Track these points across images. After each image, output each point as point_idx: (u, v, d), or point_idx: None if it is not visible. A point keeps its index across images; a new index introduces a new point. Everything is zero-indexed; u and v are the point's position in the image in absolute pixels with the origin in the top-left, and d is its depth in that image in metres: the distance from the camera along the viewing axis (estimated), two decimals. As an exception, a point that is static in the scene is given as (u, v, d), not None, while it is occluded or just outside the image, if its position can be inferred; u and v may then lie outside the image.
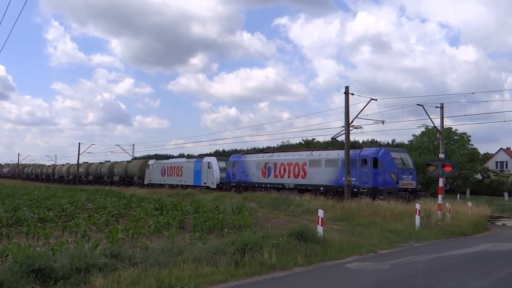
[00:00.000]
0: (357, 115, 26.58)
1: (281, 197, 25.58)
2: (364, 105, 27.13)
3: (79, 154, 58.91)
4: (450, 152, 42.90)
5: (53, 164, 78.59)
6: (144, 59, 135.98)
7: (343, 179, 23.96)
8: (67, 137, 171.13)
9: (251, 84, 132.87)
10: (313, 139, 63.04)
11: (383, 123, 29.06)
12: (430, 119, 32.05)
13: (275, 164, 30.91)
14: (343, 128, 25.70)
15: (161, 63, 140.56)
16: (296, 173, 29.27)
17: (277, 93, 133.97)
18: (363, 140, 68.37)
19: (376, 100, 27.21)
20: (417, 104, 31.13)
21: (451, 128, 48.52)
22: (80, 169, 60.45)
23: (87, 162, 64.20)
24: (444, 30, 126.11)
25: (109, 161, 59.07)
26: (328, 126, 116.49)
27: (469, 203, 18.21)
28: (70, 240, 9.50)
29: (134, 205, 19.21)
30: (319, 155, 28.29)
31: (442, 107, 31.81)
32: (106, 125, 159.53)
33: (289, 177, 29.40)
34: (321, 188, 26.23)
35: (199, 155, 48.75)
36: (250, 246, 8.90)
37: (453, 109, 66.29)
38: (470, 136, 50.00)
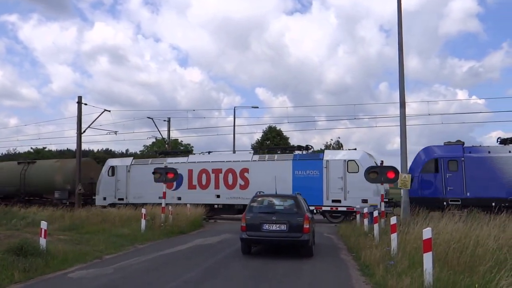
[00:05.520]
0: (89, 125, 25.79)
1: (2, 210, 22.19)
2: (98, 115, 26.50)
3: None
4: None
5: None
6: None
7: None
8: None
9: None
10: (44, 148, 57.48)
11: (116, 134, 29.01)
12: (159, 130, 33.68)
13: None
14: None
15: None
16: None
17: (3, 96, 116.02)
18: (98, 149, 66.14)
19: (109, 111, 26.98)
20: (148, 117, 32.34)
21: (178, 139, 52.19)
22: None
23: None
24: (175, 51, 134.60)
25: None
26: (62, 135, 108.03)
27: (188, 205, 19.80)
28: None
29: None
30: None
31: (169, 121, 33.90)
32: None
33: None
34: None
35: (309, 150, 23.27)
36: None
37: (181, 122, 71.93)
38: (193, 146, 54.92)
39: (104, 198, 24.51)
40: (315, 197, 19.06)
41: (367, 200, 19.06)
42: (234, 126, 29.03)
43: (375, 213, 12.91)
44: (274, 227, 10.79)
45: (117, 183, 24.38)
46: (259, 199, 11.87)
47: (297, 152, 22.57)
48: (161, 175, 16.75)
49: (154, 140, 45.88)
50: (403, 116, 14.69)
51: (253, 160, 21.71)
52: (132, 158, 26.47)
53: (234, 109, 35.29)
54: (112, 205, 23.79)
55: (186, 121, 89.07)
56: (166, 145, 34.22)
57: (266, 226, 10.80)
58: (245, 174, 21.39)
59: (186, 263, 10.04)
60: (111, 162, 26.00)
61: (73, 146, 42.61)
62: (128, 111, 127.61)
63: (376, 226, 12.40)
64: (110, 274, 8.62)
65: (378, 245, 10.46)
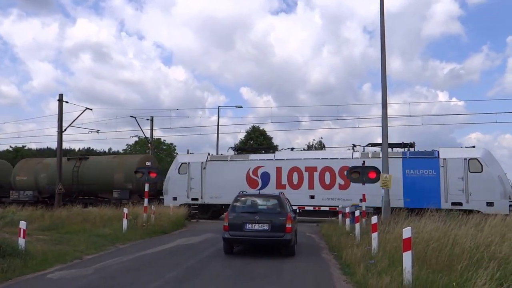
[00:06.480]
0: (70, 124, 25.43)
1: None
2: (79, 113, 26.15)
3: None
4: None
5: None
6: None
7: None
8: None
9: None
10: (24, 147, 56.43)
11: (97, 132, 28.66)
12: (142, 130, 33.44)
13: None
14: None
15: None
16: None
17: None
18: (79, 148, 65.19)
19: (91, 109, 26.64)
20: (131, 116, 32.04)
21: (160, 138, 51.88)
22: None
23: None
24: (159, 49, 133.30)
25: None
26: (42, 133, 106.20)
27: (171, 205, 19.66)
28: None
29: None
30: None
31: (152, 120, 33.64)
32: None
33: None
34: None
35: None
36: None
37: (164, 121, 71.19)
38: (175, 146, 54.65)
39: (175, 198, 22.43)
40: (430, 199, 16.67)
41: (493, 203, 17.48)
42: (218, 125, 29.01)
43: (357, 213, 13.04)
44: (257, 226, 10.79)
45: (190, 182, 22.34)
46: (242, 198, 11.86)
47: (396, 149, 20.58)
48: (144, 174, 16.59)
49: (137, 139, 45.48)
50: (385, 117, 14.84)
51: (355, 158, 19.82)
52: (207, 154, 23.92)
53: (218, 108, 35.09)
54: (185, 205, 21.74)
55: (169, 120, 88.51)
56: (149, 145, 33.92)
57: (248, 226, 10.80)
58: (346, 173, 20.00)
59: (168, 263, 9.96)
60: (182, 158, 23.76)
61: (53, 145, 41.92)
62: (110, 109, 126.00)
63: (357, 225, 12.52)
64: (91, 275, 8.49)
65: (359, 245, 10.56)
